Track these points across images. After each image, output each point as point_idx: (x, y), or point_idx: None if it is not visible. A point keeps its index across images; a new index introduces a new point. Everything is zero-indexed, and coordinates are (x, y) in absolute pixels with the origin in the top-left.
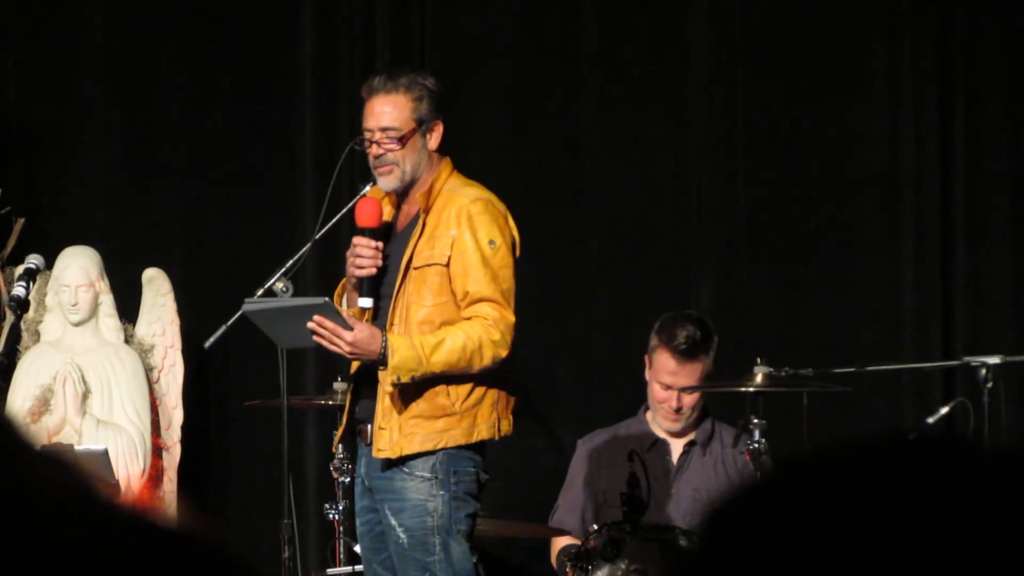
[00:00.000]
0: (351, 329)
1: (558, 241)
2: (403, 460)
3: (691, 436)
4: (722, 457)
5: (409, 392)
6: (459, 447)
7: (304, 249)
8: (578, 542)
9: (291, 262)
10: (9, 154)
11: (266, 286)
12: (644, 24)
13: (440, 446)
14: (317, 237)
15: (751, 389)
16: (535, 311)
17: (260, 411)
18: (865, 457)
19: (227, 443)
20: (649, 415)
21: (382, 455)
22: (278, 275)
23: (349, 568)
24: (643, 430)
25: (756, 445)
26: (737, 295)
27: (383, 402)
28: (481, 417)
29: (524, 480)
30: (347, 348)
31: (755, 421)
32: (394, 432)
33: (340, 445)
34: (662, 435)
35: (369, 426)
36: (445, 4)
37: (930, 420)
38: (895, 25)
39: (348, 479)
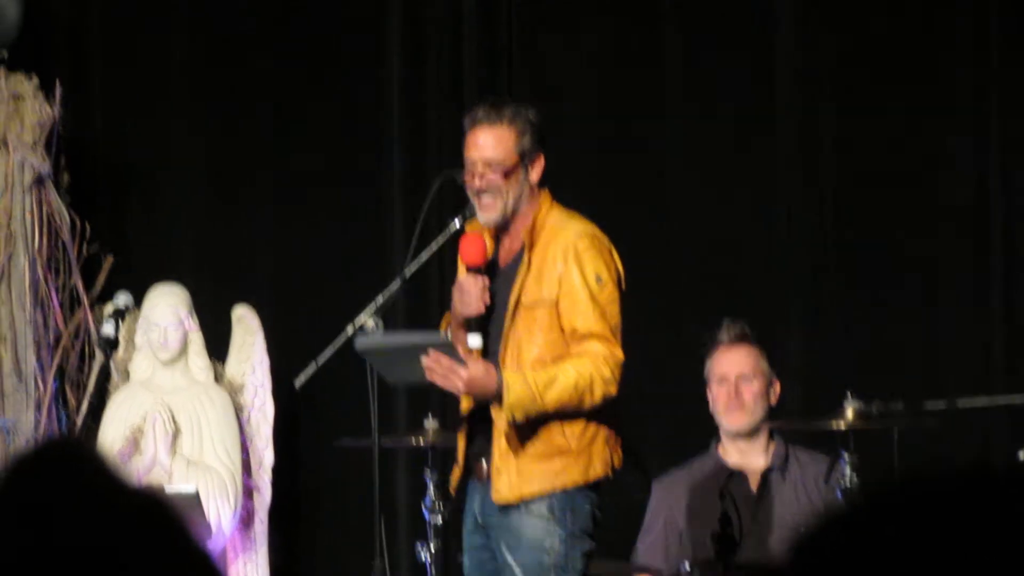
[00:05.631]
0: (466, 366)
1: (644, 273)
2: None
3: (765, 463)
4: (802, 481)
5: (525, 432)
6: (577, 486)
7: (394, 285)
8: None
9: (381, 298)
10: (97, 192)
11: (357, 323)
12: (730, 50)
13: (559, 486)
14: (407, 274)
15: (842, 426)
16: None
17: (351, 450)
18: (954, 489)
19: (318, 483)
20: (720, 448)
21: (501, 498)
22: (369, 312)
23: None
24: (717, 463)
25: (847, 481)
26: (826, 327)
27: (499, 443)
28: (596, 454)
29: (611, 518)
30: (462, 386)
31: (846, 456)
32: (512, 474)
33: (431, 481)
34: (737, 466)
35: (484, 463)
36: (531, 41)
37: (1022, 453)
38: (981, 58)
39: (440, 519)
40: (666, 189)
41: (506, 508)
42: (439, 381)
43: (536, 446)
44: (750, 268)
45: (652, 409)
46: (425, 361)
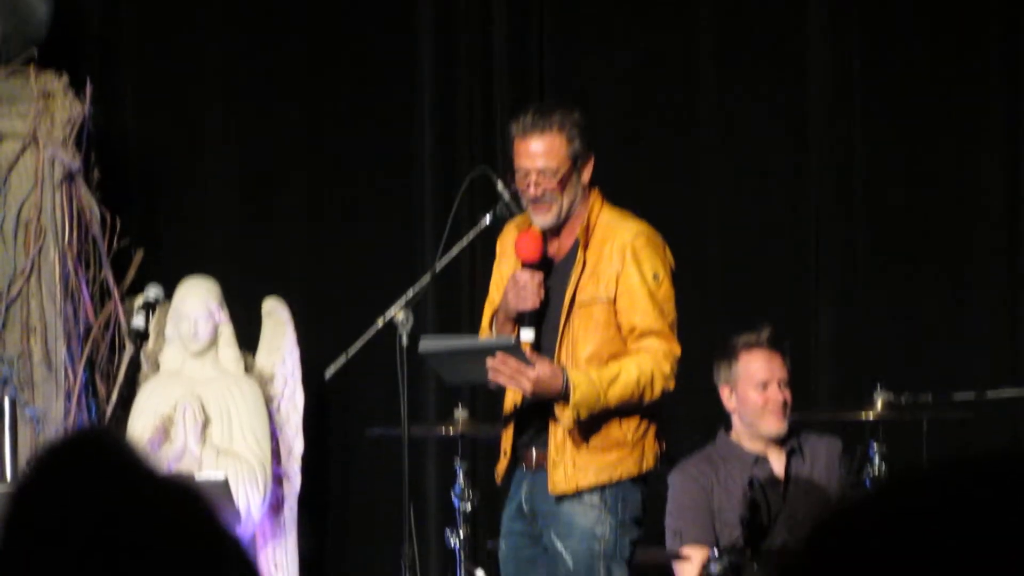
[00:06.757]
0: (533, 366)
1: (676, 270)
2: None
3: (783, 448)
4: (817, 461)
5: (583, 425)
6: (631, 477)
7: (424, 279)
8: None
9: (411, 292)
10: (128, 185)
11: (386, 316)
12: (762, 53)
13: (615, 478)
14: (438, 269)
15: (871, 417)
16: None
17: (381, 439)
18: (983, 474)
19: (347, 471)
20: (733, 434)
21: (558, 490)
22: (399, 305)
23: None
24: (737, 449)
25: (876, 471)
26: (856, 320)
27: (556, 436)
28: (648, 447)
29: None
30: (529, 386)
31: (875, 446)
32: (568, 466)
33: (460, 470)
34: (757, 450)
35: (533, 451)
36: (562, 54)
37: None
38: (1011, 65)
39: (469, 506)
40: (698, 190)
41: (559, 497)
42: (504, 382)
43: (593, 439)
44: (781, 258)
45: (685, 401)
46: (491, 363)
